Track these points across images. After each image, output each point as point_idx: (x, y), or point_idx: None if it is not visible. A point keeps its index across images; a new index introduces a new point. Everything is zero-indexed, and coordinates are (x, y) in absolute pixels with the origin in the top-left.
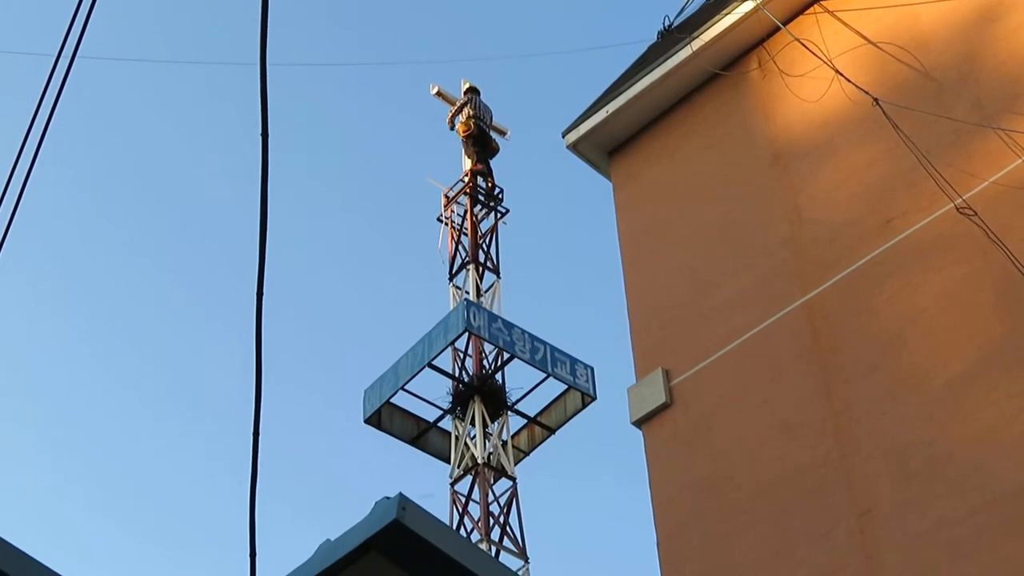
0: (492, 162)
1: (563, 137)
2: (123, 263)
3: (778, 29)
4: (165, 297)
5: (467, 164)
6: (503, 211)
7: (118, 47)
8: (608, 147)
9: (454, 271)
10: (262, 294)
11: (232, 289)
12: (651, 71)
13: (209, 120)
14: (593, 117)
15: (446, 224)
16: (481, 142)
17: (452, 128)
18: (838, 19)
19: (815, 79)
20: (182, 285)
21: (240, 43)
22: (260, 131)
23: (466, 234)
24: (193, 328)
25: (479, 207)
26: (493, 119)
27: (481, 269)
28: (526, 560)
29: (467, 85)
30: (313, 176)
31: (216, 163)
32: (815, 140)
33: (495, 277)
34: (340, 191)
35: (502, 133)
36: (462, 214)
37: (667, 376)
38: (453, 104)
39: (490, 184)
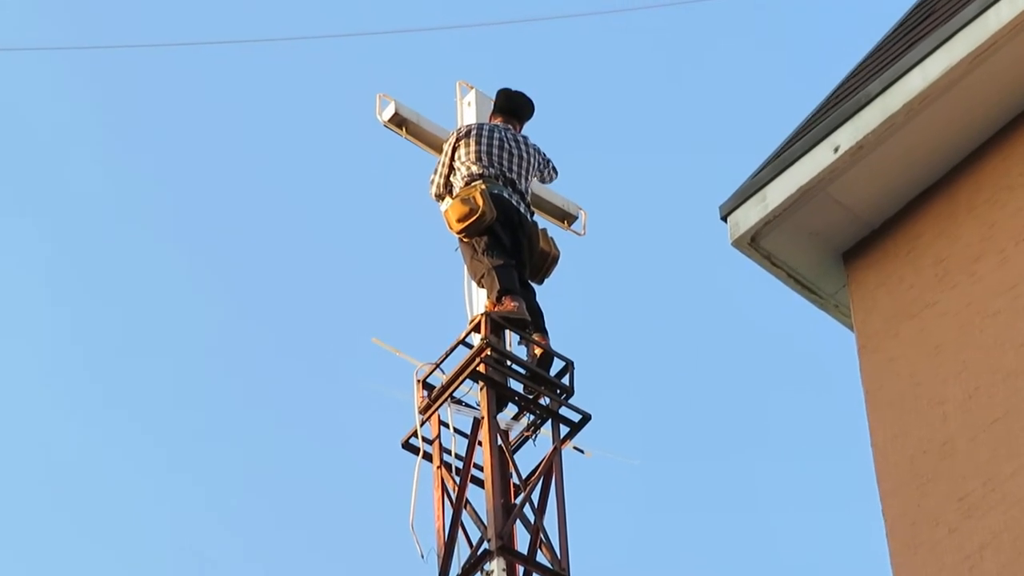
0: (543, 289)
1: (724, 219)
2: None
3: None
4: None
5: (478, 302)
6: (576, 419)
7: None
8: (840, 238)
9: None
10: None
11: None
12: (957, 29)
13: None
14: (799, 163)
15: (428, 458)
16: (511, 243)
17: (439, 203)
18: None
19: None
20: None
21: None
22: None
23: (479, 482)
24: None
25: (510, 412)
26: (546, 174)
27: (523, 571)
28: None
29: (471, 93)
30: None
31: None
32: None
33: None
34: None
35: (568, 219)
36: (472, 427)
37: None
38: (433, 147)
39: (536, 352)
